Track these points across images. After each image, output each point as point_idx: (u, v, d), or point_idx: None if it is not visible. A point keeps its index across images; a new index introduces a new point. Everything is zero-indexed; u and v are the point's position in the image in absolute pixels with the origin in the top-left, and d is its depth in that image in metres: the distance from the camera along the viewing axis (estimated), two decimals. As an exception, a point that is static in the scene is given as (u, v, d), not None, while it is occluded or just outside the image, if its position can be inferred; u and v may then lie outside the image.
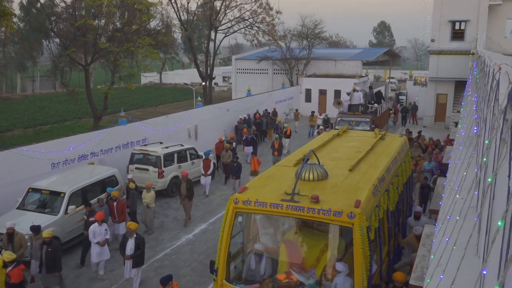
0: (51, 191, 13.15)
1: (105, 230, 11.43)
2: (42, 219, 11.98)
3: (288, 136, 23.47)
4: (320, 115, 29.61)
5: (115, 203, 12.82)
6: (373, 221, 7.40)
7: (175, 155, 17.64)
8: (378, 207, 7.96)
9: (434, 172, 15.95)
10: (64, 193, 12.88)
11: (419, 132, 22.54)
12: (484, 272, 2.48)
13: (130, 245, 10.53)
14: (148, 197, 13.85)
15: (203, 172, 17.39)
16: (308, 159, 8.32)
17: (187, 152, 18.32)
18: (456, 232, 4.12)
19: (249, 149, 21.70)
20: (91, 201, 12.89)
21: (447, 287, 3.22)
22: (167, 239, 13.88)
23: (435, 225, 7.58)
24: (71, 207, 12.83)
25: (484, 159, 3.84)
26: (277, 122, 27.07)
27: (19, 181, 13.99)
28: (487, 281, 2.77)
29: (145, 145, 18.49)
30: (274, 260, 8.15)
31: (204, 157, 17.56)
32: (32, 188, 13.31)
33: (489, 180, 3.06)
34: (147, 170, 16.86)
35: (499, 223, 1.97)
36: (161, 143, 18.52)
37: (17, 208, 12.91)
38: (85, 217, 12.24)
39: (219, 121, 25.52)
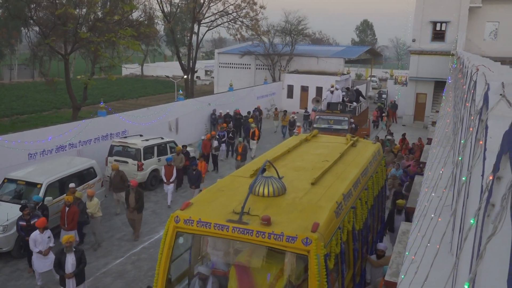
0: (27, 182, 12.94)
1: (48, 237, 10.29)
2: (17, 210, 11.78)
3: (256, 139, 22.06)
4: (293, 114, 27.80)
5: (67, 208, 11.64)
6: (334, 247, 6.54)
7: (155, 148, 17.52)
8: (341, 229, 7.10)
9: (403, 180, 15.12)
10: (41, 184, 12.69)
11: (404, 135, 21.80)
12: (456, 269, 2.54)
13: (71, 261, 9.33)
14: (91, 205, 12.45)
15: (165, 180, 15.82)
16: (264, 171, 7.44)
17: (168, 145, 18.22)
18: (430, 230, 4.20)
19: (222, 146, 20.69)
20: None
21: (421, 283, 3.28)
22: (145, 232, 13.80)
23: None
24: (48, 198, 12.66)
25: (459, 158, 3.92)
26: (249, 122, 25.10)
27: (-6, 171, 13.72)
28: (459, 277, 2.84)
29: (125, 137, 18.31)
30: (223, 285, 7.25)
31: (166, 163, 16.09)
32: (7, 178, 13.08)
33: (463, 179, 3.13)
34: (127, 162, 16.72)
35: (471, 221, 2.02)
36: (141, 135, 18.37)
37: (-8, 199, 12.67)
38: (23, 223, 10.98)
39: (200, 115, 25.42)
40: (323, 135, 13.43)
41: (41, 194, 12.49)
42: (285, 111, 28.80)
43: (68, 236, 9.59)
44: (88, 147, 17.66)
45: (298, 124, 25.80)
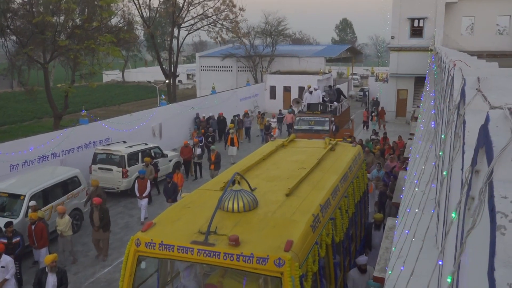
0: (10, 194, 12.72)
1: (2, 267, 9.24)
2: (1, 222, 11.57)
3: (236, 145, 21.12)
4: (273, 117, 27.47)
5: (33, 226, 11.04)
6: (311, 265, 6.05)
7: (140, 154, 17.39)
8: (319, 244, 6.61)
9: (385, 181, 14.61)
10: (24, 196, 12.49)
11: (384, 134, 21.56)
12: (440, 263, 2.58)
13: (52, 282, 8.88)
14: (62, 223, 11.79)
15: (138, 194, 14.78)
16: (233, 183, 6.93)
17: (152, 151, 18.10)
18: (415, 225, 4.25)
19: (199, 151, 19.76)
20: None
21: (407, 278, 3.32)
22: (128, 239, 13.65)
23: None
24: (36, 208, 12.46)
25: (440, 153, 3.97)
26: (227, 129, 24.33)
27: (-25, 184, 13.46)
28: (444, 271, 2.88)
29: (108, 144, 18.15)
30: None
31: (139, 176, 15.05)
32: (-11, 191, 12.84)
33: (444, 173, 3.18)
34: (111, 170, 16.56)
35: (453, 214, 2.05)
36: (124, 142, 18.21)
37: (-26, 212, 12.43)
38: (4, 241, 10.23)
39: (184, 119, 25.34)
40: (301, 139, 12.80)
41: (24, 205, 12.30)
42: (263, 114, 28.30)
43: (53, 256, 9.13)
44: (71, 156, 17.45)
45: (273, 126, 25.39)
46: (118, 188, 16.59)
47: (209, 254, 5.64)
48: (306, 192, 7.59)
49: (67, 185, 14.07)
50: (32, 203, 12.08)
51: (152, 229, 6.25)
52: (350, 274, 8.83)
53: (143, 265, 6.52)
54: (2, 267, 9.21)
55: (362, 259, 8.87)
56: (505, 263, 1.18)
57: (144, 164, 16.51)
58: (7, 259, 9.32)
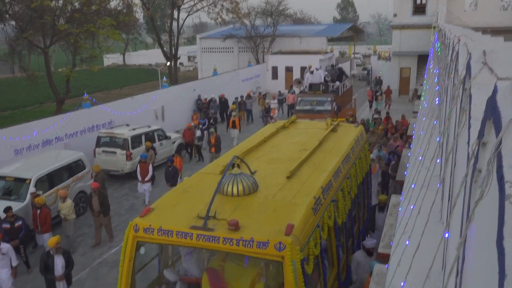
0: (15, 178, 12.81)
1: (2, 254, 9.14)
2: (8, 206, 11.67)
3: (238, 128, 20.72)
4: (274, 99, 27.18)
5: (38, 211, 11.06)
6: (312, 248, 5.92)
7: (143, 136, 17.43)
8: (321, 227, 6.49)
9: (389, 159, 14.37)
10: (30, 179, 12.58)
11: (387, 113, 21.30)
12: (447, 235, 2.60)
13: (60, 263, 8.86)
14: (64, 207, 11.76)
15: (140, 179, 14.62)
16: (232, 166, 6.76)
17: (155, 133, 18.14)
18: (420, 200, 4.27)
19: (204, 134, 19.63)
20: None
21: (412, 252, 3.35)
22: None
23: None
24: (38, 193, 12.56)
25: (446, 128, 3.97)
26: (229, 110, 24.10)
27: (-19, 170, 13.56)
28: (450, 244, 2.90)
29: (111, 127, 18.18)
30: None
31: (140, 160, 14.87)
32: (-5, 175, 12.94)
33: (450, 147, 3.18)
34: (115, 153, 16.64)
35: (460, 188, 2.06)
36: (127, 125, 18.24)
37: (-20, 197, 12.55)
38: (7, 226, 10.41)
39: (186, 101, 25.29)
40: (302, 120, 12.55)
41: (30, 189, 12.40)
42: (265, 95, 27.99)
43: (56, 238, 8.99)
44: (75, 140, 17.52)
45: (272, 107, 25.19)
46: (122, 170, 16.69)
47: (208, 239, 5.54)
48: (307, 174, 7.44)
49: (72, 169, 14.14)
50: (32, 189, 12.02)
51: (150, 215, 6.14)
52: (355, 256, 8.66)
53: (142, 250, 6.42)
54: (3, 254, 9.11)
55: (370, 243, 8.62)
56: (514, 232, 1.19)
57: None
58: (6, 246, 9.21)
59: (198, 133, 19.41)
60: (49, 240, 9.09)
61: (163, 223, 5.87)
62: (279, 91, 29.62)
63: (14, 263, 9.33)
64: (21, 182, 12.69)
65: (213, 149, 17.73)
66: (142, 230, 5.92)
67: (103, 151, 16.76)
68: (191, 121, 21.89)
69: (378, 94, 29.41)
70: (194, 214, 5.94)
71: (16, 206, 11.99)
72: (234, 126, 20.68)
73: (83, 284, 10.59)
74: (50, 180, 13.22)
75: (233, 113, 21.50)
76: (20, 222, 10.60)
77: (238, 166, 7.15)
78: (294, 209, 6.16)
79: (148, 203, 14.39)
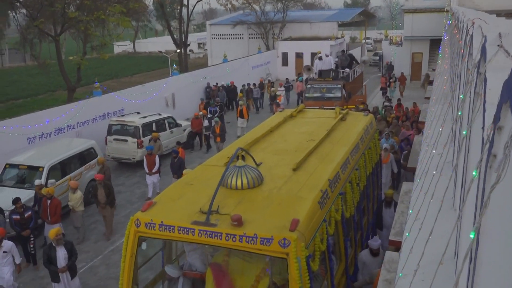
0: (29, 166, 12.98)
1: (4, 252, 8.96)
2: (22, 194, 11.84)
3: (246, 117, 20.20)
4: (280, 86, 26.74)
5: (48, 201, 10.92)
6: (318, 244, 5.70)
7: (154, 124, 17.49)
8: (328, 221, 6.25)
9: (401, 148, 14.19)
10: (43, 167, 12.73)
11: (399, 100, 20.86)
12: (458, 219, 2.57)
13: (63, 254, 8.74)
14: (73, 199, 11.73)
15: (147, 170, 14.29)
16: (237, 158, 6.54)
17: (166, 121, 18.19)
18: (432, 187, 4.23)
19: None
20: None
21: (425, 239, 3.33)
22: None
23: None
24: (51, 181, 12.70)
25: (459, 113, 3.91)
26: (238, 99, 23.70)
27: (-6, 158, 13.75)
28: (463, 231, 2.87)
29: (122, 115, 18.26)
30: None
31: (147, 152, 14.53)
32: (9, 164, 13.11)
33: (464, 133, 3.13)
34: (126, 141, 16.74)
35: (474, 173, 2.03)
36: (138, 113, 18.31)
37: (-5, 185, 12.75)
38: (17, 217, 10.57)
39: (196, 88, 25.28)
40: (311, 109, 12.14)
41: (43, 177, 12.54)
42: (272, 82, 27.51)
43: (56, 229, 8.92)
44: (87, 128, 17.65)
45: (278, 93, 24.77)
46: (133, 158, 16.80)
47: (210, 235, 5.36)
48: (314, 166, 7.15)
49: (84, 157, 14.28)
50: (37, 182, 11.92)
51: (152, 209, 5.95)
52: (361, 255, 8.40)
53: (144, 246, 6.27)
54: (4, 252, 8.96)
55: (375, 243, 8.29)
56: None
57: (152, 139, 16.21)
58: (9, 244, 9.06)
59: (205, 122, 19.21)
60: (49, 232, 8.94)
61: (164, 218, 5.69)
62: (287, 79, 29.22)
63: (18, 261, 9.19)
64: (34, 170, 12.85)
65: (218, 139, 17.48)
66: (144, 225, 5.75)
67: (114, 139, 16.88)
68: (198, 110, 21.85)
69: (392, 81, 28.64)
70: (196, 209, 5.74)
71: (29, 194, 12.18)
72: (241, 115, 20.17)
73: (96, 270, 10.75)
74: (63, 168, 13.38)
75: (240, 102, 20.99)
76: (30, 212, 10.63)
77: (243, 157, 6.91)
78: (299, 203, 5.92)
79: (151, 196, 14.14)
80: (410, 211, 5.09)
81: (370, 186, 9.77)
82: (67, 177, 13.32)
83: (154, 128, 17.34)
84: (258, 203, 5.92)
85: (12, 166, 13.10)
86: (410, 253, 3.65)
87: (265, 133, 8.90)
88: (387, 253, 5.59)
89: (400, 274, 3.61)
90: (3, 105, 32.17)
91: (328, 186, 6.63)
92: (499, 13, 14.04)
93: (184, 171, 7.53)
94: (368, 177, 9.25)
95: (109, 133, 17.06)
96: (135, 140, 16.66)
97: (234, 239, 5.24)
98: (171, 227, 5.58)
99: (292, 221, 5.25)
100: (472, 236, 1.51)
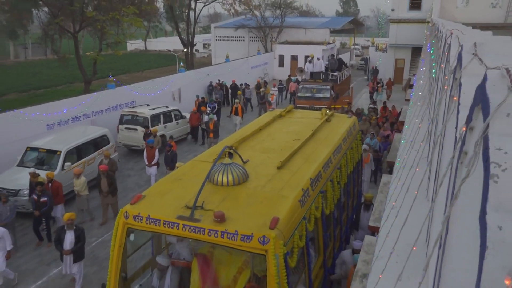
0: (48, 150, 12.94)
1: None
2: (41, 175, 11.80)
3: (240, 115, 19.63)
4: (274, 87, 26.23)
5: (50, 184, 10.84)
6: (297, 241, 5.48)
7: (161, 115, 17.46)
8: (308, 219, 6.00)
9: (380, 150, 13.87)
10: (60, 151, 12.71)
11: (384, 103, 20.62)
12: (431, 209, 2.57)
13: (70, 238, 8.56)
14: (78, 184, 11.56)
15: (147, 162, 13.95)
16: (224, 155, 6.30)
17: (172, 113, 18.15)
18: (409, 179, 4.24)
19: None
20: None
21: (400, 225, 3.34)
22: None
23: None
24: (67, 164, 12.70)
25: (435, 114, 3.91)
26: (237, 96, 23.06)
27: (16, 141, 13.68)
28: (434, 220, 2.89)
29: (133, 107, 18.21)
30: (183, 277, 6.31)
31: (148, 145, 14.20)
32: (30, 147, 13.06)
33: (438, 132, 3.14)
34: (136, 129, 16.72)
35: (446, 167, 2.03)
36: (147, 105, 18.28)
37: (17, 166, 12.70)
38: (35, 197, 10.46)
39: (201, 84, 25.19)
40: (299, 110, 11.63)
41: (60, 160, 12.50)
42: (266, 83, 26.81)
43: (70, 214, 8.73)
44: (100, 117, 17.58)
45: (271, 92, 24.32)
46: (142, 145, 16.74)
47: (194, 230, 5.11)
48: (297, 165, 6.87)
49: (98, 143, 14.25)
50: (32, 170, 11.57)
51: (140, 202, 5.68)
52: (342, 254, 8.13)
53: (132, 237, 6.00)
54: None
55: (358, 244, 7.97)
56: (496, 208, 1.17)
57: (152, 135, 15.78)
58: (1, 230, 8.65)
59: (205, 118, 18.55)
60: (64, 216, 8.82)
61: (151, 212, 5.44)
62: (280, 80, 28.76)
63: (9, 247, 8.75)
64: (52, 153, 12.82)
65: (211, 135, 16.75)
66: (132, 217, 5.50)
67: (125, 128, 16.87)
68: (194, 106, 21.54)
69: (379, 85, 28.17)
70: (182, 204, 5.47)
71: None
72: (237, 113, 19.68)
73: (106, 245, 10.75)
74: (78, 152, 13.36)
75: (236, 100, 20.61)
76: (45, 198, 10.41)
77: (230, 155, 6.64)
78: (281, 201, 5.63)
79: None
80: (388, 200, 5.11)
81: (350, 184, 9.50)
82: (82, 160, 13.31)
83: (161, 119, 17.28)
84: (242, 200, 5.64)
85: (33, 149, 13.04)
86: (386, 238, 3.67)
87: (254, 131, 8.59)
88: (366, 237, 5.61)
89: (377, 256, 3.63)
90: (26, 94, 31.96)
91: (309, 185, 6.39)
92: (474, 26, 14.00)
93: (177, 164, 7.28)
94: (349, 176, 8.98)
95: (121, 122, 17.03)
96: (144, 129, 16.63)
97: (216, 235, 5.02)
98: (157, 221, 5.34)
99: (272, 219, 5.04)
100: (441, 225, 1.51)
